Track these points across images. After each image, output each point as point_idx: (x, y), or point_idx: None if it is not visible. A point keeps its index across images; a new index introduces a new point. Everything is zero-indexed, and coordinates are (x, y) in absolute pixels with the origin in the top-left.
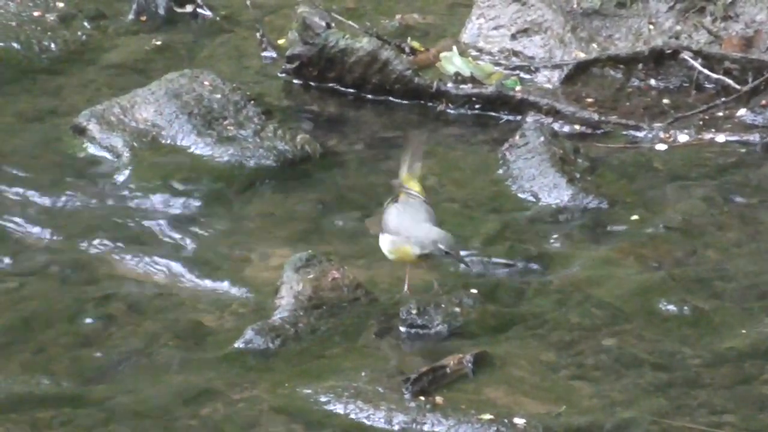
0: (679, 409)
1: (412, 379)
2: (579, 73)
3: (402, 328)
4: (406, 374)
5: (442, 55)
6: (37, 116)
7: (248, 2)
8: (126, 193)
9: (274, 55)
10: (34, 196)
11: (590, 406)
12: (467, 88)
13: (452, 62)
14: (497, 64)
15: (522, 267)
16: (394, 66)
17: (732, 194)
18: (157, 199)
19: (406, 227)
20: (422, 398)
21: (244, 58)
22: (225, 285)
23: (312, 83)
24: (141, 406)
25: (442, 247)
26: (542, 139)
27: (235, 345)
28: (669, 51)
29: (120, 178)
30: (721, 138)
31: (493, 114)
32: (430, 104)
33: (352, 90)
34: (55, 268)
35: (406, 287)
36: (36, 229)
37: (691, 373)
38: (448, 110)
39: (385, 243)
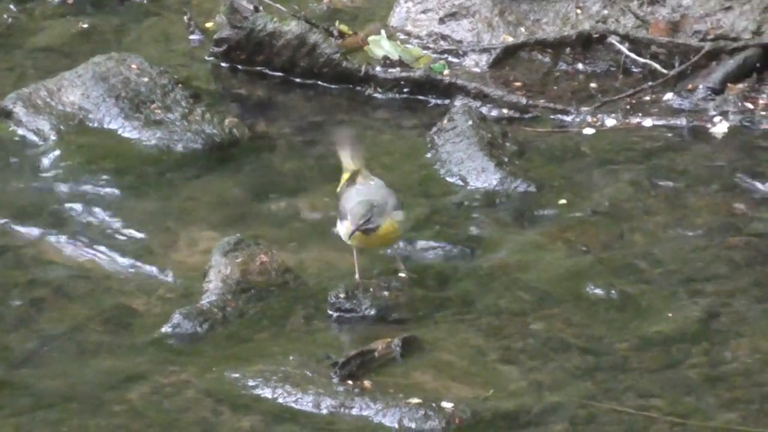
0: (606, 392)
1: (340, 363)
2: (507, 57)
3: (330, 312)
4: (334, 358)
5: (370, 38)
6: None
7: None
8: (52, 176)
9: (202, 38)
10: None
11: (518, 390)
12: (395, 71)
13: (380, 46)
14: (425, 47)
15: (450, 251)
16: (322, 49)
17: (659, 178)
18: (84, 183)
19: (349, 208)
20: (350, 382)
21: (171, 42)
22: (153, 269)
23: (240, 67)
24: (68, 390)
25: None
26: (470, 123)
27: (163, 329)
28: (596, 35)
29: (46, 161)
30: (648, 122)
31: (421, 98)
32: (358, 88)
33: (280, 74)
34: None
35: (357, 276)
36: None
37: (619, 357)
38: (377, 94)
39: (341, 230)
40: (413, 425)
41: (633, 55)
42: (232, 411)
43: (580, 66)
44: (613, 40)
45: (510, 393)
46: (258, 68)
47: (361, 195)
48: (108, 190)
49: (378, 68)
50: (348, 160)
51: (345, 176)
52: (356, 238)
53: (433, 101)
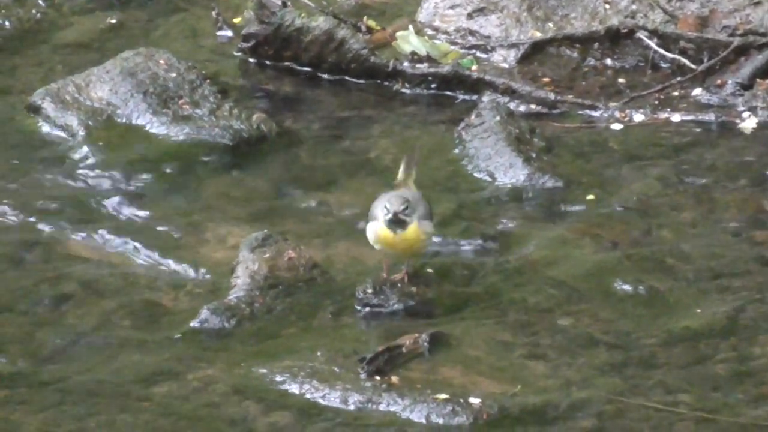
0: (634, 388)
1: (367, 358)
2: (535, 52)
3: (358, 308)
4: (361, 354)
5: (398, 34)
6: None
7: None
8: (81, 172)
9: (230, 33)
10: None
11: (546, 386)
12: (423, 67)
13: (408, 41)
14: (453, 43)
15: (478, 247)
16: (350, 45)
17: (687, 174)
18: (112, 179)
19: (374, 208)
20: (378, 378)
21: (199, 37)
22: (181, 265)
23: (268, 62)
24: (96, 385)
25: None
26: (498, 118)
27: (191, 325)
28: (625, 30)
29: (75, 156)
30: (676, 117)
31: (449, 93)
32: (386, 83)
33: (308, 69)
34: (10, 247)
35: (385, 274)
36: None
37: (646, 352)
38: (404, 90)
39: (370, 231)
40: (441, 421)
41: (661, 51)
42: (259, 407)
43: (608, 61)
44: (641, 35)
45: (537, 389)
46: (286, 64)
47: (378, 200)
48: (136, 185)
49: (406, 64)
50: (401, 173)
51: (394, 183)
52: (382, 238)
53: (460, 97)
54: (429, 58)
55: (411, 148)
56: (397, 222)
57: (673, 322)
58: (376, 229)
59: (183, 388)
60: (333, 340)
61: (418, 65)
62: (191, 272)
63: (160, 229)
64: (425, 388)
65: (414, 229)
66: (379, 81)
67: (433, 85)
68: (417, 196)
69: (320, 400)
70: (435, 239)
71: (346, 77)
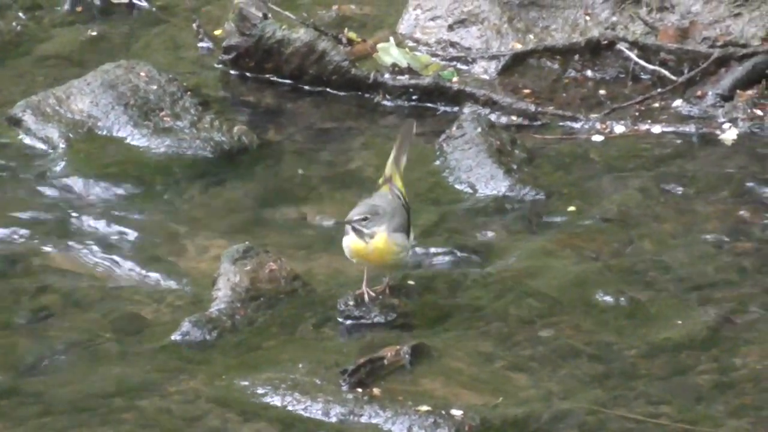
0: (616, 399)
1: (349, 370)
2: (516, 64)
3: (340, 320)
4: (343, 366)
5: (379, 46)
6: None
7: None
8: (62, 184)
9: (211, 45)
10: None
11: (527, 397)
12: (404, 79)
13: (389, 53)
14: (434, 55)
15: (459, 258)
16: (331, 57)
17: (668, 185)
18: (93, 191)
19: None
20: (360, 390)
21: (180, 49)
22: (162, 277)
23: (249, 74)
24: (77, 398)
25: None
26: (479, 130)
27: (172, 337)
28: (605, 42)
29: (56, 169)
30: (657, 129)
31: (430, 105)
32: (367, 95)
33: (289, 81)
34: None
35: (364, 286)
36: None
37: (628, 364)
38: (386, 101)
39: (343, 244)
40: None
41: (642, 62)
42: (241, 419)
43: (589, 73)
44: (622, 46)
45: (519, 400)
46: (267, 76)
47: (369, 201)
48: (117, 198)
49: (387, 75)
50: (390, 161)
51: (380, 181)
52: (354, 250)
53: (441, 108)
54: (410, 70)
55: (404, 129)
56: (359, 234)
57: (654, 333)
58: (349, 242)
59: (165, 400)
60: (314, 352)
61: (399, 77)
62: (172, 284)
63: (141, 241)
64: (407, 400)
65: (384, 239)
66: (360, 93)
67: (414, 97)
68: (392, 206)
69: (302, 412)
70: (417, 250)
71: (327, 89)
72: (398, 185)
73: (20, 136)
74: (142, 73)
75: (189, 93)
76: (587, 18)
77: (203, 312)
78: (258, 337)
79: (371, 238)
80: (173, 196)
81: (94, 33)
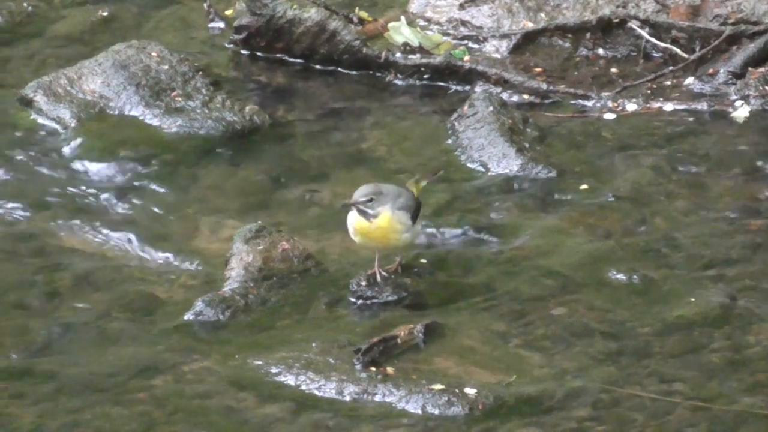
0: (629, 377)
1: (362, 349)
2: (527, 42)
3: (352, 299)
4: (356, 345)
5: (390, 25)
6: None
7: None
8: (73, 164)
9: (222, 25)
10: None
11: (541, 375)
12: (416, 58)
13: (400, 32)
14: (445, 34)
15: (471, 237)
16: (342, 36)
17: (680, 163)
18: (105, 171)
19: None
20: (373, 369)
21: (191, 29)
22: (174, 257)
23: (260, 54)
24: (90, 377)
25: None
26: (491, 108)
27: (185, 317)
28: (617, 20)
29: (67, 149)
30: (669, 107)
31: (441, 84)
32: (378, 74)
33: (300, 60)
34: (2, 240)
35: (376, 267)
36: None
37: (641, 341)
38: (397, 81)
39: (348, 224)
40: (436, 411)
41: (653, 40)
42: (255, 398)
43: (600, 51)
44: (633, 25)
45: (533, 378)
46: (278, 55)
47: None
48: (129, 178)
49: (398, 55)
50: (414, 178)
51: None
52: (357, 229)
53: (453, 87)
54: (421, 49)
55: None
56: (364, 214)
57: (667, 311)
58: (353, 220)
59: (178, 380)
60: (328, 331)
61: (410, 56)
62: (185, 264)
63: (153, 221)
64: (420, 378)
65: (387, 218)
66: (371, 72)
67: (425, 76)
68: (399, 189)
69: (315, 392)
70: (430, 229)
71: (339, 68)
72: (412, 189)
73: (32, 117)
74: (154, 53)
75: (200, 73)
76: None
77: (216, 291)
78: (271, 316)
79: (375, 218)
80: (185, 176)
81: (105, 13)
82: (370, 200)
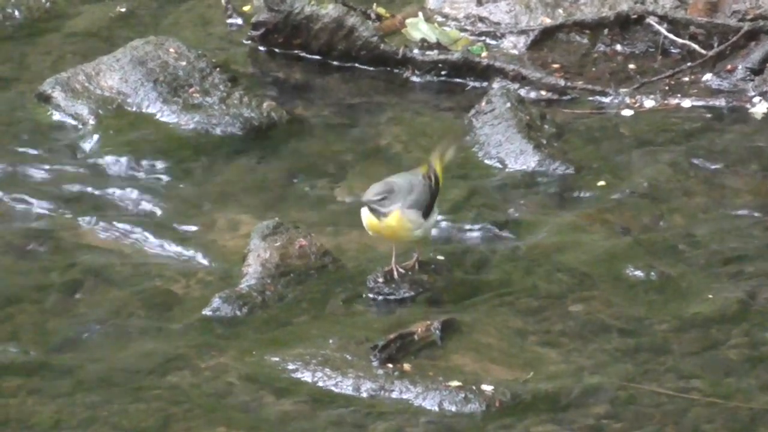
0: (646, 374)
1: (379, 346)
2: (545, 38)
3: (369, 296)
4: (373, 341)
5: (408, 21)
6: (1, 84)
7: None
8: (91, 160)
9: (240, 21)
10: None
11: (558, 372)
12: (433, 54)
13: (418, 28)
14: (463, 30)
15: (489, 233)
16: (359, 32)
17: (698, 159)
18: (122, 167)
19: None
20: (390, 365)
21: (209, 26)
22: (192, 253)
23: (278, 50)
24: (108, 374)
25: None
26: (509, 105)
27: (203, 313)
28: (635, 16)
29: (85, 146)
30: (687, 103)
31: (459, 80)
32: (396, 71)
33: (318, 57)
34: (21, 236)
35: (393, 263)
36: None
37: (658, 338)
38: (414, 77)
39: (362, 217)
40: (453, 408)
41: (672, 36)
42: (272, 394)
43: (618, 47)
44: (651, 20)
45: (550, 375)
46: (295, 51)
47: (388, 179)
48: (147, 174)
49: (416, 51)
50: (439, 149)
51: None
52: (369, 225)
53: (471, 84)
54: (439, 45)
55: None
56: (374, 213)
57: (684, 307)
58: (365, 216)
59: (195, 376)
60: (345, 328)
61: (428, 52)
62: (202, 260)
63: (171, 217)
64: (437, 375)
65: (396, 217)
66: (389, 68)
67: (443, 72)
68: (410, 183)
69: (333, 388)
70: (447, 225)
71: (356, 65)
72: (437, 168)
73: (50, 113)
74: (171, 50)
75: (218, 69)
76: None
77: (233, 288)
78: (288, 312)
79: (385, 217)
80: (203, 172)
81: (123, 9)
82: (382, 199)
